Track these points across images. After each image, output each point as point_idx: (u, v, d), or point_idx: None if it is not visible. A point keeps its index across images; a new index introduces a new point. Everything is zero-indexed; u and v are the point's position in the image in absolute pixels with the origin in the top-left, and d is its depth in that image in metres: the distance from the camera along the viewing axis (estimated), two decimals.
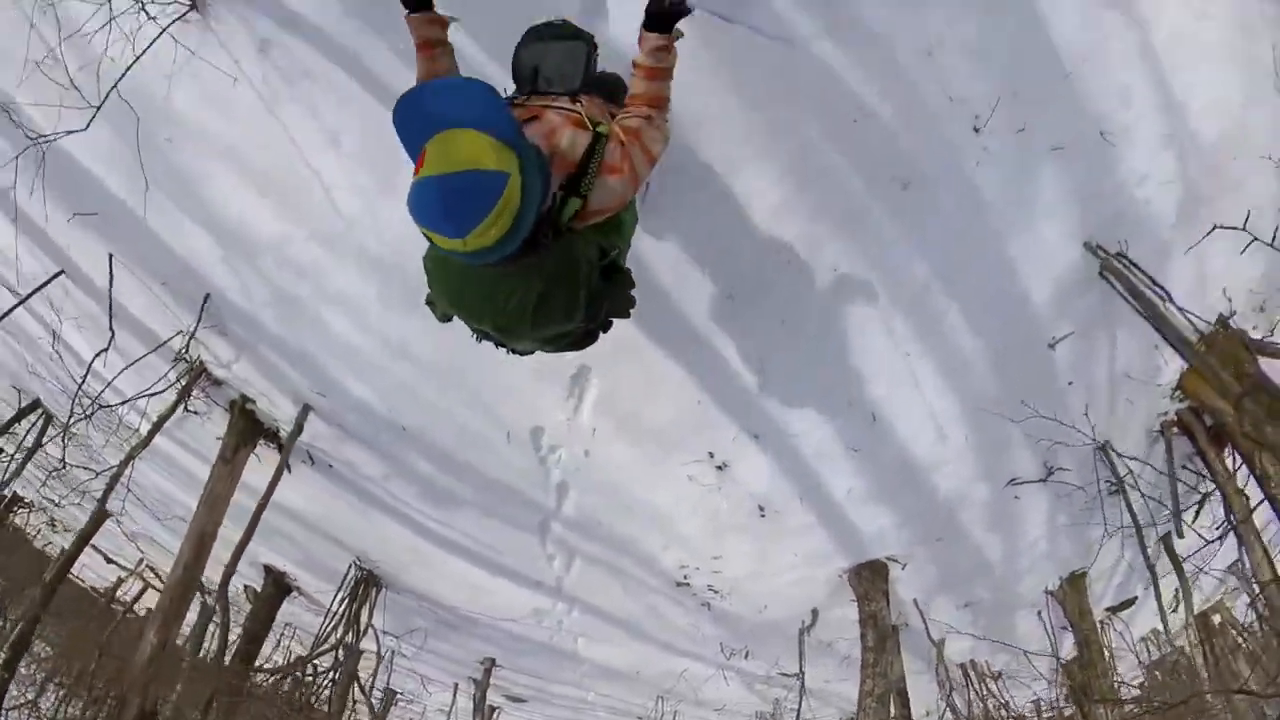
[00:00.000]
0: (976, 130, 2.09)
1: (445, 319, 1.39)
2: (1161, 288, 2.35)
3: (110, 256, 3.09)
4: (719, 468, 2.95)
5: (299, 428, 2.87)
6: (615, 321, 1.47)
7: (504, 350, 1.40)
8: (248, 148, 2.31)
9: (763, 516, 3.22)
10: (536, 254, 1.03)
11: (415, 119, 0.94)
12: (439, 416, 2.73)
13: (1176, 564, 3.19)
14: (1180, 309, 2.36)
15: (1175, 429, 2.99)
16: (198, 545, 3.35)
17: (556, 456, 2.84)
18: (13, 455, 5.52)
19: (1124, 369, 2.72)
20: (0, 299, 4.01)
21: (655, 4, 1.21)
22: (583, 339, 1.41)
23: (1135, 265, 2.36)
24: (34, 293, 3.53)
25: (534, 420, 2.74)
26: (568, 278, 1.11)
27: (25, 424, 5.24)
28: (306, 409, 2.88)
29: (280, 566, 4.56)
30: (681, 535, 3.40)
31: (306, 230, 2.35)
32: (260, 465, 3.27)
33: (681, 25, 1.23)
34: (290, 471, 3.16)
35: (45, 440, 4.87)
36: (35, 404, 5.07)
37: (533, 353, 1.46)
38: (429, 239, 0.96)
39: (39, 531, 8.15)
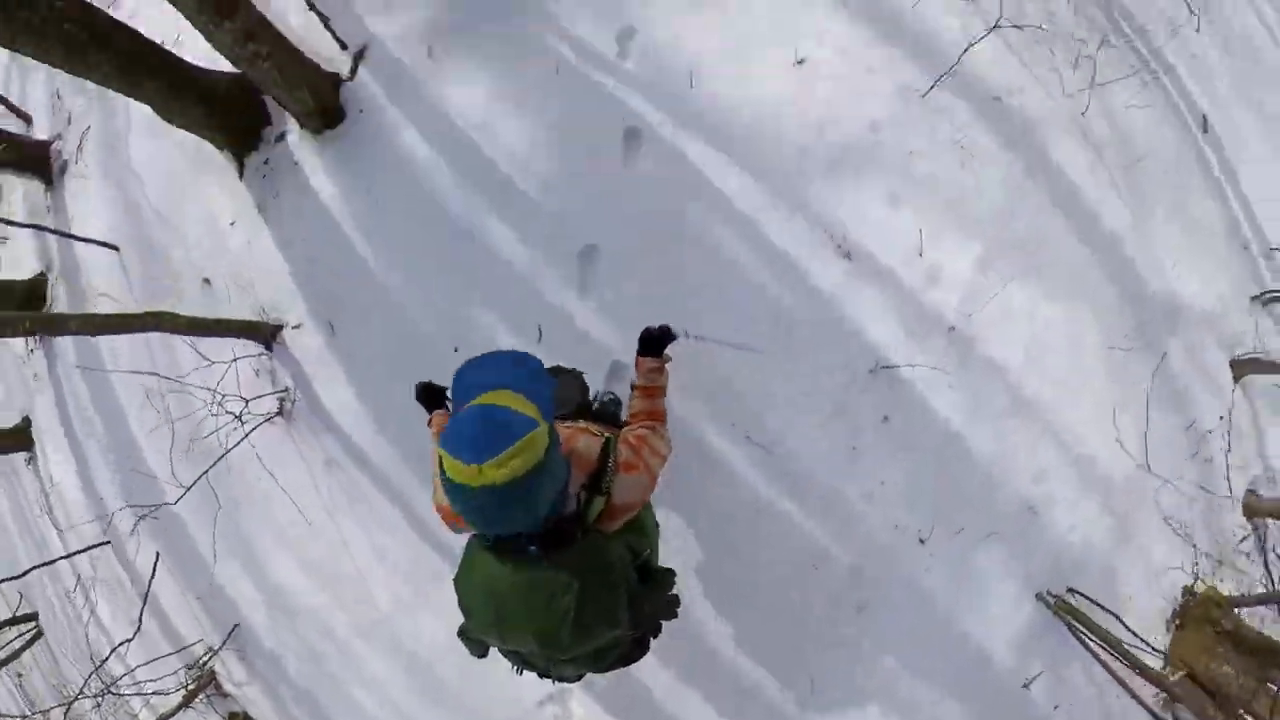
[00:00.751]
0: (922, 541, 2.57)
1: (481, 652, 1.38)
2: (1113, 613, 2.65)
3: (157, 555, 3.49)
4: None
5: None
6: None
7: (549, 679, 1.38)
8: (306, 537, 2.73)
9: None
10: (569, 553, 1.07)
11: (468, 382, 1.04)
12: None
13: None
14: (1129, 629, 2.64)
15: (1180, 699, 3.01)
16: None
17: None
18: None
19: (1104, 678, 2.86)
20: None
21: (648, 332, 1.53)
22: (632, 650, 1.40)
23: (1085, 596, 2.67)
24: (77, 553, 3.92)
25: None
26: (605, 575, 1.13)
27: (13, 630, 5.38)
28: None
29: None
30: None
31: (347, 613, 2.70)
32: None
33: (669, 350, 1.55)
34: None
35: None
36: (33, 616, 5.26)
37: (581, 676, 1.44)
38: (447, 475, 0.95)
39: None
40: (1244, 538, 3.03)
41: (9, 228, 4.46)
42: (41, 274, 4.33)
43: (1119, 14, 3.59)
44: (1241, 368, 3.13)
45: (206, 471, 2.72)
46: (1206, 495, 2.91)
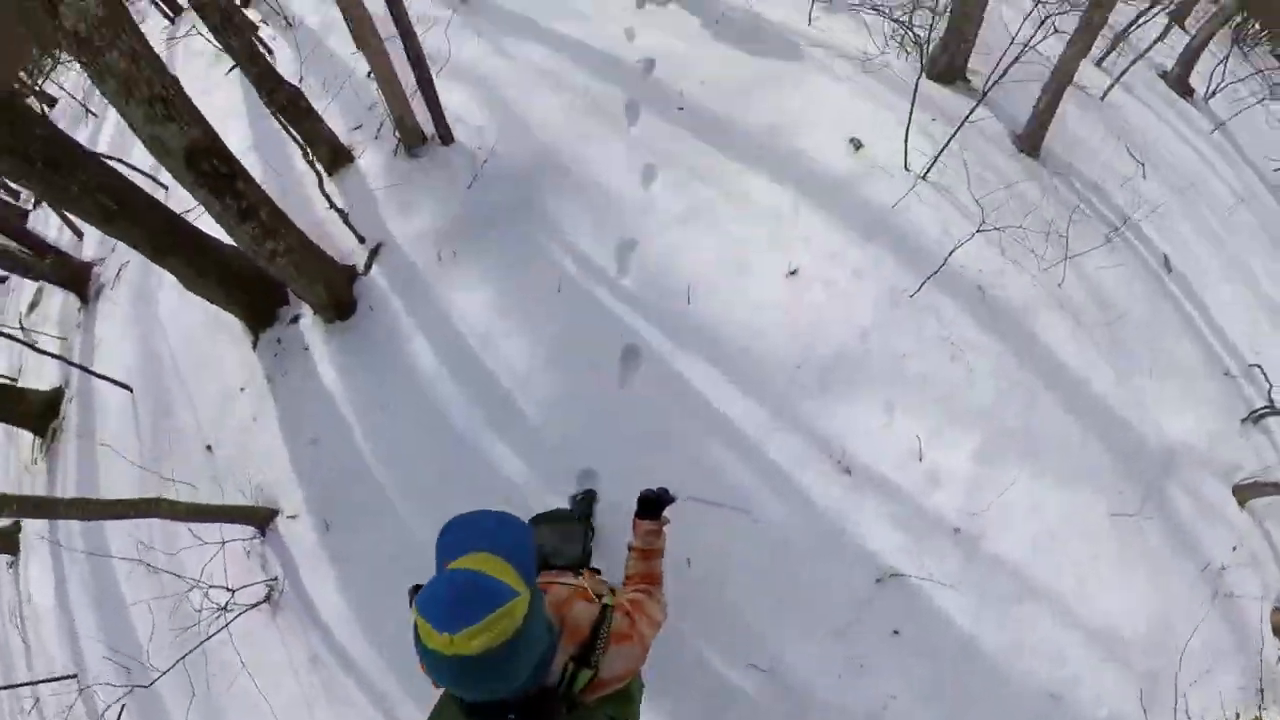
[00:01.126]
0: None
1: None
2: None
3: (123, 707, 3.46)
4: None
5: None
6: None
7: None
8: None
9: None
10: None
11: (449, 541, 1.01)
12: None
13: None
14: None
15: None
16: None
17: None
18: None
19: None
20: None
21: (646, 493, 1.49)
22: None
23: None
24: (43, 681, 3.88)
25: None
26: None
27: None
28: None
29: None
30: None
31: None
32: None
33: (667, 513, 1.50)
34: None
35: None
36: None
37: None
38: (420, 639, 0.93)
39: None
40: None
41: (39, 334, 4.73)
42: (59, 388, 4.52)
43: (1079, 182, 3.87)
44: (1244, 493, 3.17)
45: (183, 658, 2.74)
46: (1235, 632, 2.84)
